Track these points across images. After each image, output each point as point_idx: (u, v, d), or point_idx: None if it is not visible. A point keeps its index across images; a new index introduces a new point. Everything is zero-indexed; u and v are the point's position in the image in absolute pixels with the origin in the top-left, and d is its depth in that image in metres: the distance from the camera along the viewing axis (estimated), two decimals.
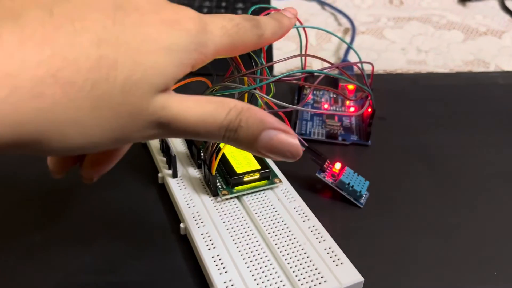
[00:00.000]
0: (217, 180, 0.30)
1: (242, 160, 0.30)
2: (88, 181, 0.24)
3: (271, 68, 0.45)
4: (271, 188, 0.30)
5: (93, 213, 0.30)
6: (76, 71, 0.15)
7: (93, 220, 0.30)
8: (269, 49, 0.48)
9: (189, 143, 0.32)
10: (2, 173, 0.32)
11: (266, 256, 0.26)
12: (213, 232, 0.27)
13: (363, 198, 0.31)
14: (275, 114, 0.31)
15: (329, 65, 0.28)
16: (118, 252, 0.28)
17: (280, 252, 0.26)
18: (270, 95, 0.27)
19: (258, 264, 0.25)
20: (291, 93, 0.41)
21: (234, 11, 0.54)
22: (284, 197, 0.30)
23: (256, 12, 0.28)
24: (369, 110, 0.35)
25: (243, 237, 0.27)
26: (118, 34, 0.17)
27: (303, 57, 0.36)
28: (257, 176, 0.30)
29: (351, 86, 0.40)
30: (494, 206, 0.32)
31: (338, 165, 0.32)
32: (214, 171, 0.29)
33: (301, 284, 0.24)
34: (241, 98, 0.26)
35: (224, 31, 0.20)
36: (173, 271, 0.27)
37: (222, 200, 0.29)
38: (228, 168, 0.30)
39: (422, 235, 0.30)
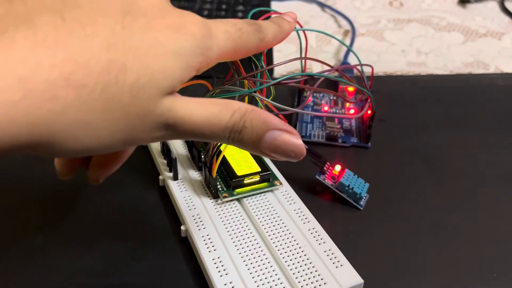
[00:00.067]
0: (218, 183, 0.30)
1: (242, 163, 0.30)
2: (94, 183, 0.25)
3: (271, 71, 0.46)
4: (272, 190, 0.30)
5: (95, 215, 0.30)
6: (87, 74, 0.16)
7: (94, 222, 0.30)
8: (270, 51, 0.48)
9: (190, 146, 0.33)
10: (4, 175, 0.32)
11: (266, 258, 0.26)
12: (214, 234, 0.27)
13: (363, 200, 0.32)
14: (276, 116, 0.31)
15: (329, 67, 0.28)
16: (119, 254, 0.28)
17: (280, 254, 0.26)
18: (270, 98, 0.27)
19: (258, 266, 0.25)
20: (291, 95, 0.42)
21: (234, 13, 0.55)
22: (284, 199, 0.30)
23: (256, 15, 0.28)
24: (369, 112, 0.35)
25: (243, 239, 0.27)
26: (127, 39, 0.17)
27: (303, 60, 0.36)
28: (257, 178, 0.30)
29: (351, 88, 0.41)
30: (494, 207, 0.32)
31: (338, 167, 0.32)
32: (214, 174, 0.29)
33: (301, 286, 0.24)
34: (241, 101, 0.26)
35: (227, 36, 0.21)
36: (174, 273, 0.27)
37: (223, 202, 0.29)
38: (228, 170, 0.30)
39: (422, 237, 0.30)
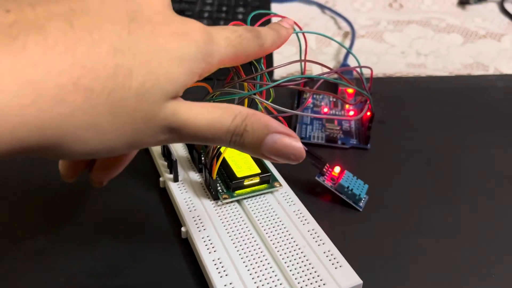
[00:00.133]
0: (218, 184, 0.30)
1: (242, 164, 0.31)
2: (97, 185, 0.25)
3: (271, 73, 0.46)
4: (271, 192, 0.30)
5: (96, 217, 0.30)
6: (95, 79, 0.16)
7: (95, 223, 0.30)
8: (270, 53, 0.48)
9: (190, 148, 0.33)
10: (6, 176, 0.32)
11: (266, 259, 0.26)
12: (214, 235, 0.27)
13: (362, 201, 0.32)
14: (275, 119, 0.31)
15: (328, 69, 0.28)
16: (120, 255, 0.28)
17: (280, 255, 0.26)
18: (270, 100, 0.27)
19: (258, 267, 0.26)
20: (291, 97, 0.42)
21: (234, 15, 0.55)
22: (284, 200, 0.30)
23: (256, 18, 0.29)
24: (368, 114, 0.36)
25: (243, 240, 0.27)
26: (132, 45, 0.18)
27: (303, 62, 0.36)
28: (257, 180, 0.30)
29: (350, 90, 0.41)
30: (494, 208, 0.32)
31: (337, 169, 0.32)
32: (214, 175, 0.29)
33: (301, 287, 0.24)
34: (241, 103, 0.26)
35: (228, 42, 0.21)
36: (175, 274, 0.27)
37: (223, 204, 0.29)
38: (228, 172, 0.30)
39: (420, 238, 0.30)
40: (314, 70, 0.47)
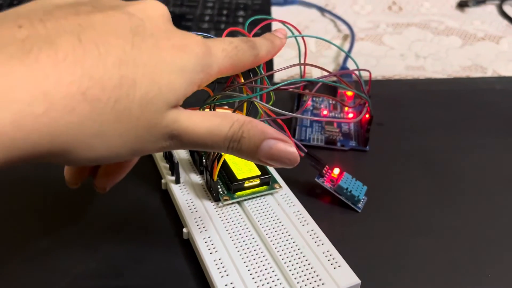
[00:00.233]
0: (219, 186, 0.31)
1: (242, 166, 0.31)
2: (101, 191, 0.27)
3: (271, 76, 0.46)
4: (271, 193, 0.31)
5: (98, 219, 0.31)
6: (102, 89, 0.17)
7: (98, 225, 0.30)
8: None
9: (191, 150, 0.33)
10: (9, 179, 0.33)
11: (266, 260, 0.26)
12: (215, 236, 0.28)
13: (361, 202, 0.32)
14: (275, 121, 0.32)
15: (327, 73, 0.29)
16: (123, 257, 0.28)
17: (280, 255, 0.27)
18: (270, 103, 0.28)
19: (258, 267, 0.26)
20: (291, 100, 0.42)
21: (235, 18, 0.55)
22: (283, 202, 0.30)
23: (254, 23, 0.29)
24: (367, 116, 0.36)
25: (244, 241, 0.27)
26: (136, 57, 0.19)
27: (302, 66, 0.37)
28: (257, 181, 0.31)
29: (349, 93, 0.41)
30: (492, 209, 0.33)
31: (336, 170, 0.33)
32: (215, 177, 0.29)
33: (300, 286, 0.25)
34: (241, 106, 0.27)
35: (225, 54, 0.23)
36: (176, 274, 0.28)
37: (224, 205, 0.30)
38: (229, 174, 0.31)
39: (418, 238, 0.30)
40: (314, 73, 0.48)
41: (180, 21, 0.55)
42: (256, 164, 0.31)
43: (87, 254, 0.28)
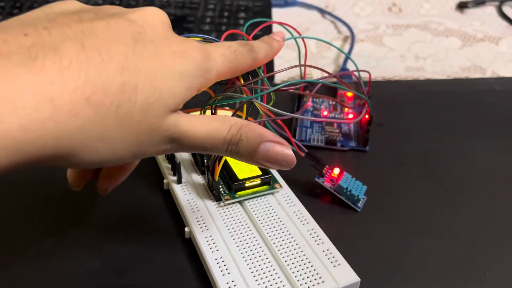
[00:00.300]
0: (220, 186, 0.31)
1: (243, 167, 0.31)
2: (103, 193, 0.27)
3: (272, 77, 0.47)
4: (272, 193, 0.31)
5: (102, 219, 0.31)
6: (105, 95, 0.18)
7: (102, 225, 0.31)
8: None
9: None
10: (13, 181, 0.33)
11: (267, 258, 0.27)
12: (216, 235, 0.28)
13: (360, 202, 0.33)
14: (275, 122, 0.32)
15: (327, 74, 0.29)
16: (126, 256, 0.29)
17: (280, 254, 0.27)
18: (271, 104, 0.28)
19: (259, 265, 0.26)
20: (291, 100, 0.43)
21: (236, 20, 0.56)
22: (284, 201, 0.31)
23: (254, 25, 0.30)
24: (367, 117, 0.36)
25: (245, 240, 0.28)
26: (138, 63, 0.19)
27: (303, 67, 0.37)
28: (258, 181, 0.31)
29: (349, 94, 0.42)
30: (491, 209, 0.33)
31: (336, 170, 0.33)
32: (217, 177, 0.30)
33: (300, 285, 0.25)
34: (241, 106, 0.27)
35: (224, 58, 0.23)
36: (178, 273, 0.28)
37: (225, 205, 0.30)
38: (230, 174, 0.31)
39: (417, 238, 0.31)
40: (314, 74, 0.48)
41: (182, 23, 0.55)
42: None
43: (90, 253, 0.29)
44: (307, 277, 0.26)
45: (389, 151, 0.38)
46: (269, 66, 0.47)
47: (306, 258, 0.27)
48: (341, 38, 0.57)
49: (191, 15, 0.57)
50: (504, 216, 0.33)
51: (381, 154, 0.38)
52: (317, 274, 0.26)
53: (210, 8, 0.58)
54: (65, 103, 0.17)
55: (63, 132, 0.17)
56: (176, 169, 0.32)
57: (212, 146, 0.22)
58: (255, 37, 0.28)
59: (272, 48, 0.27)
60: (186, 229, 0.29)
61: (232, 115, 0.27)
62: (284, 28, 0.32)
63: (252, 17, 0.57)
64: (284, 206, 0.30)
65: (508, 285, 0.28)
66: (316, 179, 0.32)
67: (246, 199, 0.31)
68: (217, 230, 0.28)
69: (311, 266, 0.26)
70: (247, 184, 0.31)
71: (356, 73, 0.33)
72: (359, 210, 0.32)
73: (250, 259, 0.27)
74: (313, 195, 0.33)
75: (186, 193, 0.31)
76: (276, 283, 0.25)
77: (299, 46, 0.33)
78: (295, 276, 0.26)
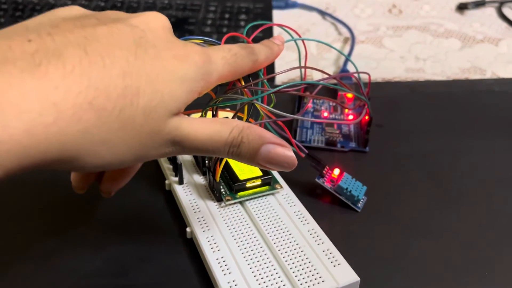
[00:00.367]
0: (221, 186, 0.31)
1: (244, 167, 0.32)
2: (106, 195, 0.28)
3: (272, 78, 0.47)
4: (273, 194, 0.32)
5: (104, 219, 0.32)
6: (107, 99, 0.18)
7: (104, 226, 0.31)
8: None
9: None
10: (17, 182, 0.34)
11: (267, 258, 0.27)
12: (218, 235, 0.28)
13: (360, 202, 0.33)
14: (275, 123, 0.32)
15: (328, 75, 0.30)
16: (128, 256, 0.29)
17: (281, 253, 0.27)
18: (271, 105, 0.29)
19: (260, 265, 0.27)
20: (292, 102, 0.43)
21: (237, 22, 0.56)
22: (284, 202, 0.31)
23: (253, 28, 0.30)
24: (366, 118, 0.37)
25: (245, 240, 0.28)
26: (140, 68, 0.20)
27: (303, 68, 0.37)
28: (259, 182, 0.31)
29: (349, 95, 0.42)
30: (490, 210, 0.33)
31: (337, 171, 0.33)
32: (218, 178, 0.30)
33: (300, 284, 0.25)
34: (242, 108, 0.27)
35: (224, 61, 0.23)
36: (180, 272, 0.28)
37: (226, 205, 0.30)
38: (231, 175, 0.31)
39: (416, 238, 0.31)
40: (315, 75, 0.48)
41: (183, 24, 0.56)
42: None
43: (93, 253, 0.29)
44: (307, 277, 0.26)
45: (389, 152, 0.38)
46: (270, 67, 0.47)
47: (307, 258, 0.27)
48: (342, 39, 0.57)
49: (192, 17, 0.57)
50: (503, 216, 0.33)
51: (381, 155, 0.38)
52: (317, 273, 0.26)
53: (211, 10, 0.59)
54: (68, 108, 0.17)
55: (67, 136, 0.17)
56: (177, 170, 0.32)
57: (214, 148, 0.22)
58: (256, 39, 0.29)
59: (273, 52, 0.27)
60: (188, 229, 0.29)
61: (233, 117, 0.27)
62: (284, 30, 0.32)
63: (253, 19, 0.57)
64: (284, 206, 0.31)
65: (508, 285, 0.28)
66: (317, 179, 0.33)
67: (247, 200, 0.31)
68: (218, 230, 0.29)
69: (311, 265, 0.27)
70: (248, 184, 0.31)
71: (356, 75, 0.34)
72: (359, 211, 0.33)
73: (251, 259, 0.27)
74: (313, 196, 0.33)
75: (188, 194, 0.31)
76: (276, 283, 0.26)
77: (299, 48, 0.33)
78: (296, 276, 0.26)
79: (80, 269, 0.28)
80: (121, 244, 0.30)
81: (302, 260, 0.27)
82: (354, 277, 0.26)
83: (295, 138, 0.38)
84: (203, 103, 0.28)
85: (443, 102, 0.45)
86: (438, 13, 0.64)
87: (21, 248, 0.30)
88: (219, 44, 0.27)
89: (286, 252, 0.27)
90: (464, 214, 0.33)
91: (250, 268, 0.26)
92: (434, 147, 0.39)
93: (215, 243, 0.28)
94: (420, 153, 0.38)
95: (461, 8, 0.64)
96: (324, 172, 0.33)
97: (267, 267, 0.27)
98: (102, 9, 0.58)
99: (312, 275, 0.26)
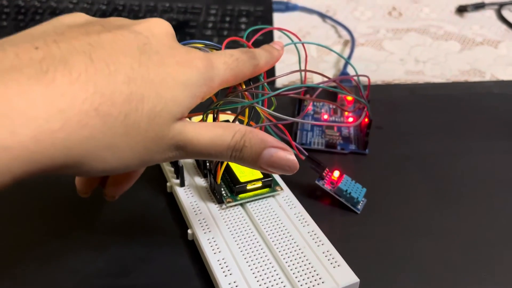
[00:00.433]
0: (222, 189, 0.32)
1: (245, 170, 0.32)
2: (110, 199, 0.28)
3: (273, 81, 0.47)
4: (273, 196, 0.32)
5: (107, 221, 0.32)
6: (112, 105, 0.19)
7: (106, 227, 0.31)
8: None
9: None
10: (21, 185, 0.34)
11: (268, 259, 0.27)
12: (219, 237, 0.29)
13: (360, 204, 0.33)
14: (276, 126, 0.33)
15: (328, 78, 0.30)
16: (130, 257, 0.29)
17: (281, 255, 0.27)
18: (272, 108, 0.29)
19: (261, 266, 0.27)
20: (292, 104, 0.43)
21: (237, 25, 0.57)
22: (285, 204, 0.31)
23: (252, 33, 0.30)
24: (366, 120, 0.37)
25: (246, 241, 0.28)
26: (144, 74, 0.20)
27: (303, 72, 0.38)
28: (259, 184, 0.31)
29: (349, 97, 0.42)
30: (489, 211, 0.34)
31: (336, 173, 0.34)
32: (219, 180, 0.30)
33: (300, 285, 0.26)
34: (243, 111, 0.28)
35: (226, 66, 0.24)
36: (181, 274, 0.28)
37: (227, 207, 0.31)
38: (232, 177, 0.32)
39: (415, 239, 0.31)
40: (315, 78, 0.49)
41: (184, 28, 0.56)
42: None
43: (96, 254, 0.29)
44: (307, 278, 0.26)
45: (388, 154, 0.39)
46: (270, 71, 0.47)
47: (307, 259, 0.27)
48: (342, 42, 0.57)
49: (193, 20, 0.57)
50: (503, 217, 0.33)
51: (380, 157, 0.38)
52: (317, 275, 0.26)
53: (212, 13, 0.59)
54: (75, 114, 0.18)
55: (73, 142, 0.18)
56: (179, 172, 0.32)
57: (217, 152, 0.23)
58: (257, 42, 0.29)
59: (272, 56, 0.28)
60: (189, 231, 0.30)
61: (233, 120, 0.28)
62: (284, 34, 0.32)
63: (254, 22, 0.58)
64: (285, 208, 0.31)
65: (507, 285, 0.29)
66: (317, 181, 0.33)
67: (248, 202, 0.31)
68: (219, 232, 0.29)
69: (311, 267, 0.27)
70: (249, 187, 0.31)
71: (355, 78, 0.34)
72: (359, 212, 0.33)
73: (252, 260, 0.27)
74: (313, 198, 0.34)
75: (189, 196, 0.32)
76: (277, 284, 0.26)
77: (299, 52, 0.34)
78: (296, 277, 0.26)
79: (82, 269, 0.29)
80: (123, 245, 0.30)
81: (302, 261, 0.27)
82: (353, 278, 0.26)
83: (295, 140, 0.39)
84: (204, 107, 0.28)
85: (442, 104, 0.45)
86: (438, 15, 0.64)
87: (24, 249, 0.30)
88: (220, 47, 0.27)
89: (286, 254, 0.28)
90: (464, 215, 0.33)
91: (251, 269, 0.27)
92: (434, 149, 0.39)
93: (216, 245, 0.28)
94: (419, 155, 0.39)
95: (461, 10, 0.65)
96: (324, 174, 0.33)
97: (267, 268, 0.27)
98: (104, 12, 0.58)
99: (312, 276, 0.26)
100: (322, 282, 0.26)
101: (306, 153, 0.32)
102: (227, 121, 0.25)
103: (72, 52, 0.18)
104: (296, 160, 0.24)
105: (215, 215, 0.30)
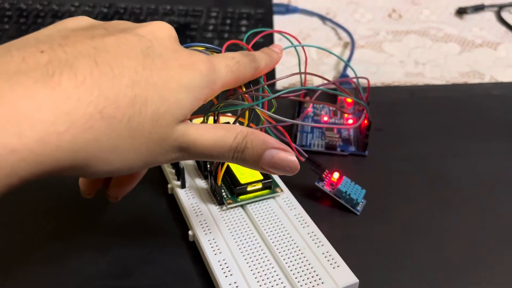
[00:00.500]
0: (223, 190, 0.32)
1: (245, 171, 0.32)
2: (114, 200, 0.28)
3: (273, 84, 0.47)
4: (273, 197, 0.32)
5: (109, 223, 0.32)
6: (117, 108, 0.19)
7: (108, 228, 0.32)
8: None
9: None
10: (24, 187, 0.34)
11: (268, 260, 0.28)
12: (219, 238, 0.29)
13: (359, 205, 0.33)
14: (276, 128, 0.33)
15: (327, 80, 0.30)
16: (132, 258, 0.30)
17: (281, 256, 0.28)
18: (272, 110, 0.29)
19: (261, 267, 0.27)
20: (292, 106, 0.44)
21: (238, 28, 0.57)
22: (285, 205, 0.32)
23: (252, 36, 0.31)
24: (366, 122, 0.37)
25: (247, 242, 0.29)
26: (147, 77, 0.20)
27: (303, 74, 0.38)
28: (259, 186, 0.32)
29: (349, 99, 0.42)
30: (488, 212, 0.34)
31: (336, 175, 0.34)
32: (219, 182, 0.30)
33: (300, 285, 0.26)
34: (243, 113, 0.28)
35: (228, 69, 0.24)
36: (183, 274, 0.29)
37: (227, 209, 0.31)
38: (232, 178, 0.32)
39: (415, 240, 0.31)
40: (315, 81, 0.49)
41: (185, 30, 0.56)
42: None
43: (98, 255, 0.30)
44: (307, 279, 0.26)
45: (388, 156, 0.39)
46: (271, 73, 0.47)
47: (306, 260, 0.27)
48: (342, 44, 0.57)
49: (194, 23, 0.58)
50: (502, 218, 0.33)
51: (380, 159, 0.38)
52: (317, 275, 0.27)
53: (212, 16, 0.59)
54: (80, 117, 0.18)
55: (78, 144, 0.18)
56: (180, 174, 0.32)
57: (219, 154, 0.23)
58: (257, 44, 0.29)
59: (272, 59, 0.28)
60: (190, 232, 0.30)
61: (234, 122, 0.28)
62: (284, 36, 0.33)
63: (254, 24, 0.58)
64: (285, 209, 0.31)
65: (507, 285, 0.29)
66: (316, 183, 0.33)
67: (248, 203, 0.31)
68: (220, 233, 0.29)
69: (311, 268, 0.27)
70: (249, 188, 0.31)
71: (354, 80, 0.34)
72: (358, 214, 0.33)
73: (252, 261, 0.27)
74: (313, 199, 0.34)
75: (190, 198, 0.32)
76: (277, 284, 0.26)
77: (298, 54, 0.34)
78: (296, 278, 0.26)
79: (84, 271, 0.29)
80: (125, 247, 0.30)
81: (302, 262, 0.27)
82: (353, 279, 0.27)
83: (295, 142, 0.39)
84: (205, 109, 0.29)
85: (442, 106, 0.45)
86: (438, 17, 0.64)
87: (26, 250, 0.30)
88: (220, 50, 0.28)
89: (286, 254, 0.28)
90: (463, 216, 0.33)
91: (251, 270, 0.27)
92: (433, 150, 0.39)
93: (216, 246, 0.28)
94: (419, 157, 0.39)
95: (460, 12, 0.65)
96: (323, 175, 0.34)
97: (267, 269, 0.27)
98: (105, 15, 0.58)
99: (312, 277, 0.26)
100: (322, 283, 0.26)
101: (306, 155, 0.33)
102: (228, 123, 0.25)
103: (77, 56, 0.19)
104: (297, 161, 0.24)
105: (215, 216, 0.30)
